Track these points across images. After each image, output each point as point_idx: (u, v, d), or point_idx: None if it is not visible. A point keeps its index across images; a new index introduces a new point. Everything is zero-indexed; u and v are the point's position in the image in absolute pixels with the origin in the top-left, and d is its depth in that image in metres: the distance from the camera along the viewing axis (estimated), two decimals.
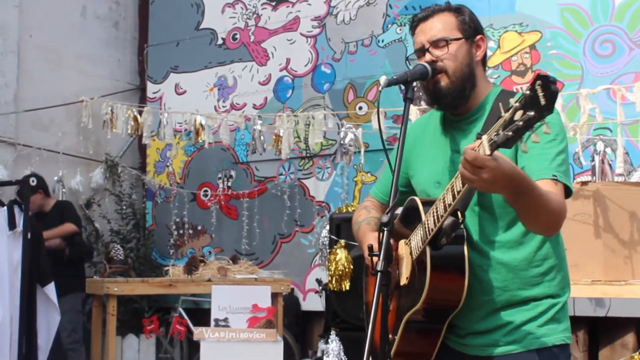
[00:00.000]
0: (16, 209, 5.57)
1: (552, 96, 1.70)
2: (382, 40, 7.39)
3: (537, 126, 1.75)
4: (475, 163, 1.89)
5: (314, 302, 7.23)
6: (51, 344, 5.93)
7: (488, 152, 1.86)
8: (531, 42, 6.59)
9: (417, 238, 2.25)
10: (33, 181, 5.84)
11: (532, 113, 1.72)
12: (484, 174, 1.90)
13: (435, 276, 2.15)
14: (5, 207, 5.57)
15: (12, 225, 5.51)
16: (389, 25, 7.37)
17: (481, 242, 2.28)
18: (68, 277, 6.58)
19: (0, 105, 7.43)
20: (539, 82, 1.71)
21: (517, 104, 1.76)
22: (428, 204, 2.26)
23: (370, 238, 2.44)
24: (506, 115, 1.79)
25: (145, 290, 6.71)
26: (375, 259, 2.14)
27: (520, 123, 1.74)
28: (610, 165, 5.33)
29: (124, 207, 8.39)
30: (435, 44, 2.33)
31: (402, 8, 7.31)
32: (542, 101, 1.70)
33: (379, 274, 2.08)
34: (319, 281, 6.40)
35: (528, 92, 1.73)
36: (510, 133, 1.77)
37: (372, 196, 2.74)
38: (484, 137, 1.87)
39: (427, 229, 2.18)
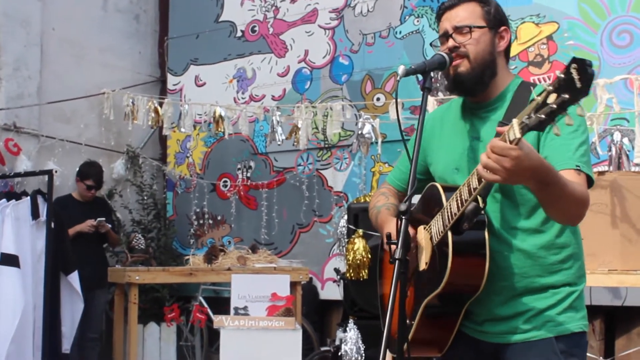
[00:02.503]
0: (40, 199, 5.67)
1: (588, 79, 1.70)
2: (400, 32, 7.41)
3: (570, 109, 1.75)
4: (499, 152, 1.90)
5: (332, 291, 7.28)
6: (75, 332, 6.03)
7: (519, 135, 1.85)
8: (548, 33, 6.58)
9: (438, 223, 2.26)
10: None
11: (566, 96, 1.72)
12: (507, 163, 1.91)
13: (457, 261, 2.17)
14: (28, 197, 5.67)
15: (35, 214, 5.61)
16: (407, 17, 7.38)
17: (501, 229, 2.30)
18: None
19: (24, 97, 7.52)
20: (574, 65, 1.71)
21: (551, 87, 1.76)
22: (449, 190, 2.27)
23: (391, 223, 2.44)
24: (539, 99, 1.79)
25: (166, 279, 6.78)
26: (393, 247, 2.16)
27: (554, 106, 1.75)
28: (627, 155, 5.33)
29: (145, 198, 8.48)
30: (459, 30, 2.36)
31: (419, 0, 7.33)
32: (578, 84, 1.70)
33: (396, 262, 2.10)
34: (337, 270, 6.44)
35: (563, 75, 1.73)
36: (542, 116, 1.77)
37: (389, 183, 2.75)
38: (515, 120, 1.87)
39: (450, 213, 2.20)
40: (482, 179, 2.02)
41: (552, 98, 1.76)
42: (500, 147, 1.90)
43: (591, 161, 2.29)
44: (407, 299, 2.22)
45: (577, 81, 1.71)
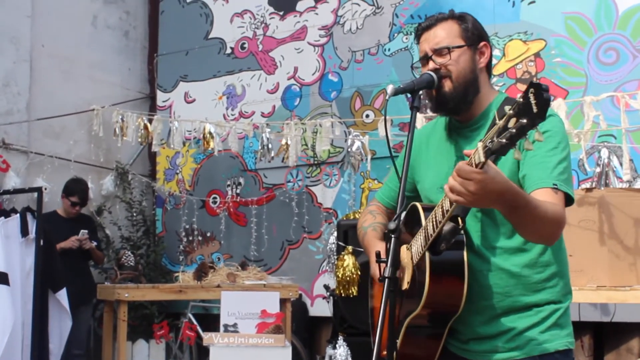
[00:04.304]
0: (29, 216, 5.65)
1: (544, 104, 1.71)
2: (389, 49, 7.46)
3: (530, 134, 1.76)
4: (462, 175, 1.91)
5: (321, 308, 7.28)
6: (63, 349, 6.00)
7: (482, 159, 1.86)
8: (536, 50, 6.64)
9: (417, 243, 2.26)
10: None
11: (524, 120, 1.73)
12: (471, 187, 1.91)
13: (434, 281, 2.17)
14: (18, 215, 5.66)
15: (24, 232, 5.60)
16: (395, 34, 7.44)
17: (483, 248, 2.29)
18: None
19: (13, 113, 7.51)
20: (531, 89, 1.72)
21: (511, 112, 1.77)
22: (429, 209, 2.27)
23: (377, 245, 2.46)
24: (500, 123, 1.80)
25: (155, 296, 6.76)
26: (383, 265, 2.17)
27: (514, 130, 1.75)
28: (614, 171, 5.37)
29: (134, 214, 8.46)
30: (438, 52, 2.35)
31: (408, 17, 7.37)
32: (535, 109, 1.71)
33: (386, 280, 2.10)
34: (326, 287, 6.45)
35: (521, 99, 1.74)
36: (503, 140, 1.78)
37: (378, 200, 2.75)
38: (479, 144, 1.88)
39: (427, 234, 2.19)
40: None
41: (512, 122, 1.76)
42: (465, 170, 1.91)
43: (572, 178, 2.29)
44: (395, 317, 2.22)
45: (533, 106, 1.72)
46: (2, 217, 5.59)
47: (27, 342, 5.48)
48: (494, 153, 1.83)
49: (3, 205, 6.66)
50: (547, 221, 2.09)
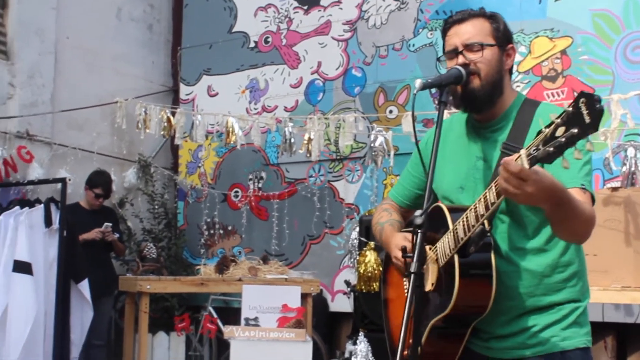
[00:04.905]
0: (53, 207, 5.69)
1: (597, 115, 1.70)
2: (413, 45, 7.42)
3: (580, 143, 1.75)
4: (520, 175, 1.90)
5: (342, 303, 7.28)
6: (84, 340, 6.04)
7: (527, 167, 1.86)
8: (562, 48, 6.58)
9: (444, 245, 2.26)
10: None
11: (575, 130, 1.73)
12: (529, 188, 1.91)
13: (464, 284, 2.17)
14: (42, 205, 5.69)
15: (48, 222, 5.63)
16: (420, 30, 7.40)
17: (508, 250, 2.30)
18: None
19: (38, 105, 7.56)
20: (583, 99, 1.71)
21: (559, 120, 1.76)
22: (454, 211, 2.28)
23: (398, 238, 2.46)
24: (547, 131, 1.79)
25: (177, 288, 6.79)
26: (408, 260, 2.16)
27: (563, 139, 1.75)
28: None
29: (156, 207, 8.49)
30: (470, 47, 2.34)
31: (433, 13, 7.33)
32: (587, 119, 1.71)
33: (412, 275, 2.07)
34: (347, 282, 6.44)
35: (571, 109, 1.73)
36: (551, 149, 1.78)
37: (391, 199, 2.74)
38: (523, 152, 1.88)
39: (456, 237, 2.19)
40: (491, 205, 2.04)
41: (560, 131, 1.75)
42: (526, 172, 1.90)
43: (593, 180, 2.30)
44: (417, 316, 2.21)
45: (585, 116, 1.71)
46: (27, 207, 5.62)
47: (49, 332, 5.52)
48: (540, 161, 1.83)
49: (27, 195, 6.70)
50: (584, 219, 2.11)
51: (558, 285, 2.29)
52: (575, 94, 1.76)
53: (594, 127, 1.71)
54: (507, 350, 2.31)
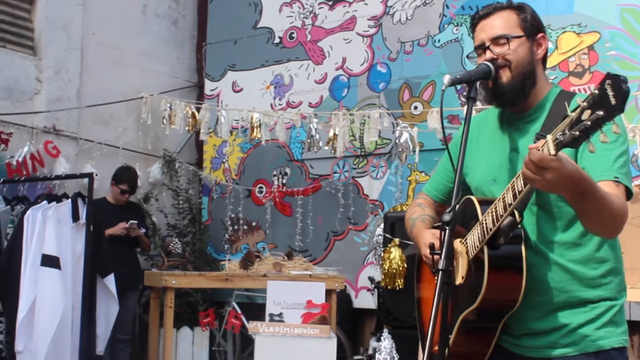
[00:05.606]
0: (80, 202, 5.72)
1: (623, 96, 1.68)
2: (438, 41, 7.39)
3: (606, 126, 1.73)
4: (540, 164, 1.89)
5: (365, 300, 7.27)
6: (109, 334, 6.08)
7: (553, 152, 1.84)
8: (589, 43, 6.52)
9: (473, 237, 2.24)
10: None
11: (601, 113, 1.70)
12: (548, 175, 1.90)
13: (493, 276, 2.15)
14: (69, 200, 5.73)
15: (75, 217, 5.67)
16: (446, 26, 7.36)
17: (539, 242, 2.27)
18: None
19: (64, 100, 7.62)
20: (608, 81, 1.69)
21: (585, 104, 1.74)
22: (485, 203, 2.25)
23: (427, 235, 2.44)
24: (573, 115, 1.77)
25: (202, 283, 6.81)
26: (436, 257, 2.14)
27: (589, 123, 1.73)
28: None
29: (181, 202, 8.53)
30: (496, 41, 2.32)
31: (458, 8, 7.29)
32: (613, 101, 1.68)
33: (440, 272, 2.07)
34: (371, 279, 6.43)
35: (597, 91, 1.71)
36: (577, 132, 1.76)
37: (426, 194, 2.73)
38: (549, 137, 1.86)
39: (485, 228, 2.17)
40: (518, 194, 2.02)
41: (586, 114, 1.73)
42: (545, 159, 1.88)
43: (631, 173, 2.25)
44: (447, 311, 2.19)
45: (611, 98, 1.69)
46: (54, 202, 5.67)
47: (76, 326, 5.55)
48: (566, 146, 1.81)
49: (53, 190, 6.76)
50: (612, 212, 2.07)
51: (592, 281, 2.25)
52: None
53: (620, 108, 1.69)
54: (540, 349, 2.28)
